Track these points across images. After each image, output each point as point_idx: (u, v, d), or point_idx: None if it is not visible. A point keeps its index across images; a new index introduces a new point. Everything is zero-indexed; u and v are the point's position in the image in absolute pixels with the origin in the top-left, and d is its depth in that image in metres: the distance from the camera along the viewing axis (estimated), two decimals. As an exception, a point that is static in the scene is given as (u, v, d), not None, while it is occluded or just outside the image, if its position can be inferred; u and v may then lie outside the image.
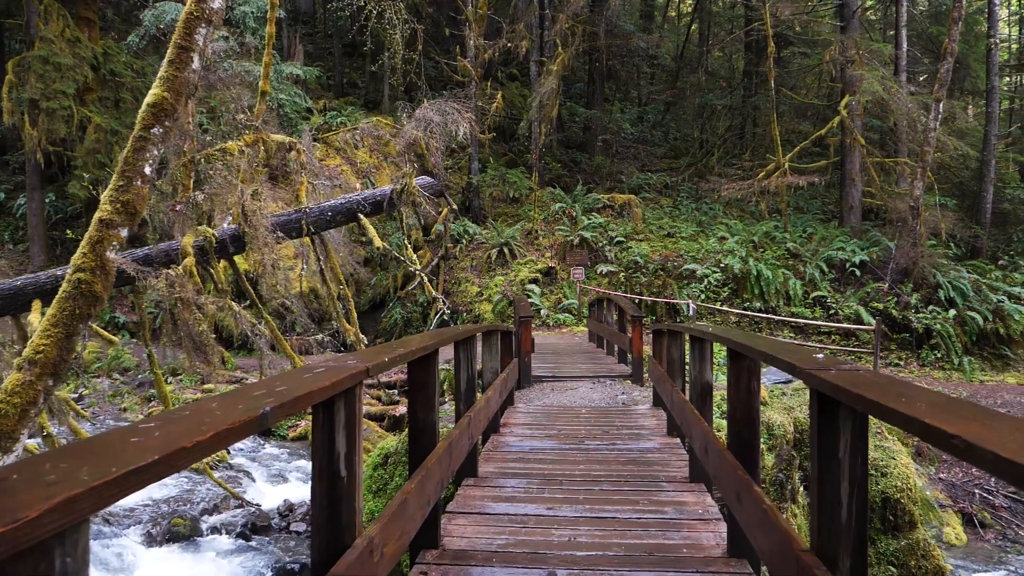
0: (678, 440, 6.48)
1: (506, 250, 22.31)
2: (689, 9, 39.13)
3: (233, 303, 10.79)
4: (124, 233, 8.11)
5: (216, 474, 12.62)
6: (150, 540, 9.83)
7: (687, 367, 8.73)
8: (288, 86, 23.76)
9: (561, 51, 23.76)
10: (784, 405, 9.61)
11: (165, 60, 8.29)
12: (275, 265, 9.10)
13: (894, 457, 9.36)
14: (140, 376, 18.23)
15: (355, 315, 11.27)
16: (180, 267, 8.31)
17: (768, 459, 8.38)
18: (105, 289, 7.90)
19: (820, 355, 2.75)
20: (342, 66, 33.12)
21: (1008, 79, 31.36)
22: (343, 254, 12.28)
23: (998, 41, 23.77)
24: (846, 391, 2.04)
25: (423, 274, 12.66)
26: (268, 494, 11.65)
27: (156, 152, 8.15)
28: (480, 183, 25.20)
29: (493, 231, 23.35)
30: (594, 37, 27.85)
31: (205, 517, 10.58)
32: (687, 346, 6.71)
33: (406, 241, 11.64)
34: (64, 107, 23.01)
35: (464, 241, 23.38)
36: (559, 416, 7.82)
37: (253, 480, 12.42)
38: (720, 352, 11.76)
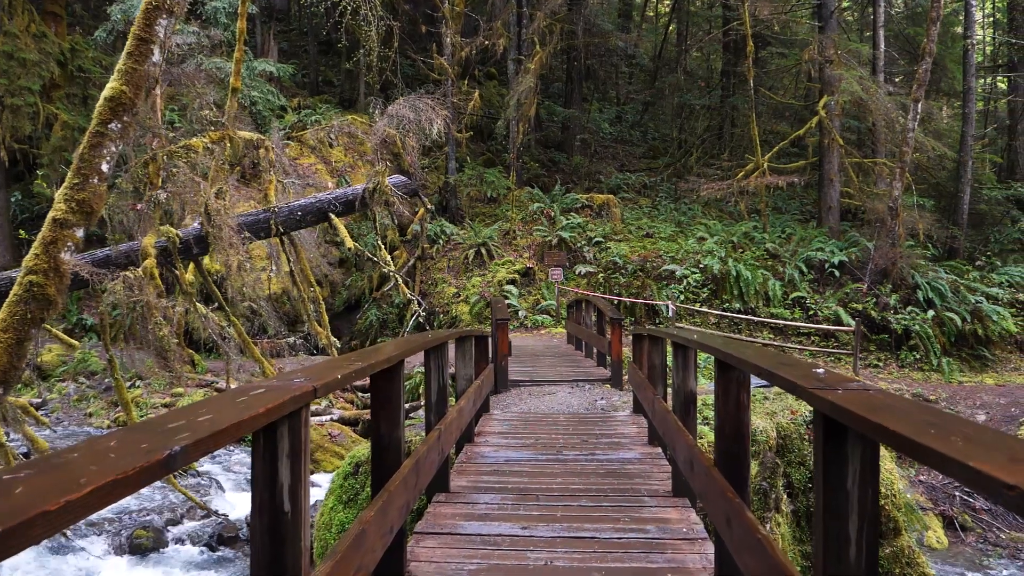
0: (659, 450, 6.22)
1: (483, 251, 22.01)
2: (667, 9, 39.04)
3: (201, 305, 10.41)
4: (80, 233, 7.73)
5: (182, 482, 12.24)
6: (111, 552, 9.44)
7: (669, 373, 8.47)
8: (261, 83, 23.32)
9: (539, 49, 23.51)
10: (766, 410, 9.39)
11: (124, 52, 7.93)
12: (241, 266, 8.74)
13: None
14: (107, 380, 17.70)
15: (326, 317, 10.93)
16: (140, 269, 7.94)
17: (752, 467, 8.15)
18: (59, 292, 7.52)
19: (820, 369, 2.49)
20: (317, 64, 32.65)
21: (981, 80, 31.51)
22: (314, 255, 11.95)
23: (975, 42, 23.81)
24: (861, 419, 1.77)
25: (398, 275, 12.35)
26: (237, 503, 11.27)
27: (114, 148, 7.78)
28: (457, 183, 24.87)
29: (470, 231, 23.05)
30: (572, 36, 27.63)
31: (170, 528, 10.21)
32: (669, 349, 6.46)
33: (379, 241, 11.31)
34: (29, 104, 22.43)
35: (441, 241, 23.05)
36: (536, 424, 7.54)
37: (222, 489, 12.03)
38: (701, 354, 11.56)
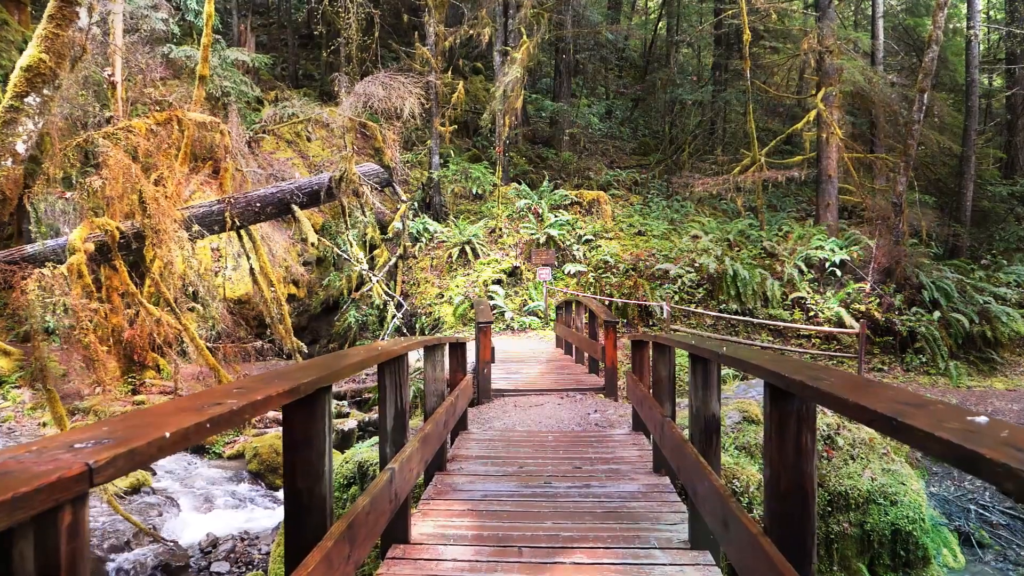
0: (667, 479, 5.21)
1: (468, 249, 20.95)
2: (657, 3, 38.11)
3: (153, 307, 9.35)
4: (-9, 224, 6.67)
5: (138, 500, 11.20)
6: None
7: (679, 391, 7.43)
8: (234, 73, 22.15)
9: (526, 39, 22.49)
10: (779, 424, 8.45)
11: (44, 15, 6.88)
12: (187, 263, 7.68)
13: (904, 482, 8.22)
14: (66, 386, 16.55)
15: (288, 320, 9.88)
16: (64, 267, 6.87)
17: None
18: (-35, 292, 6.46)
19: (982, 418, 1.49)
20: (297, 57, 31.55)
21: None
22: (279, 251, 10.88)
23: (978, 32, 22.97)
24: None
25: (372, 274, 11.32)
26: (192, 525, 10.19)
27: (32, 126, 6.71)
28: (441, 178, 23.78)
29: (455, 229, 21.98)
30: (560, 26, 26.66)
31: (113, 555, 9.11)
32: (664, 353, 5.46)
33: (350, 238, 10.26)
34: (-11, 95, 21.27)
35: (424, 240, 21.96)
36: (521, 445, 6.49)
37: (178, 508, 10.93)
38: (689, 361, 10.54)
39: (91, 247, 7.87)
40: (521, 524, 4.32)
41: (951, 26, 27.69)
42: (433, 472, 5.37)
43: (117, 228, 8.06)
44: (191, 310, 8.93)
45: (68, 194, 7.65)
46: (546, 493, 4.95)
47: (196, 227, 8.48)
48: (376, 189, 9.31)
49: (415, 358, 10.03)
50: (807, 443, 2.45)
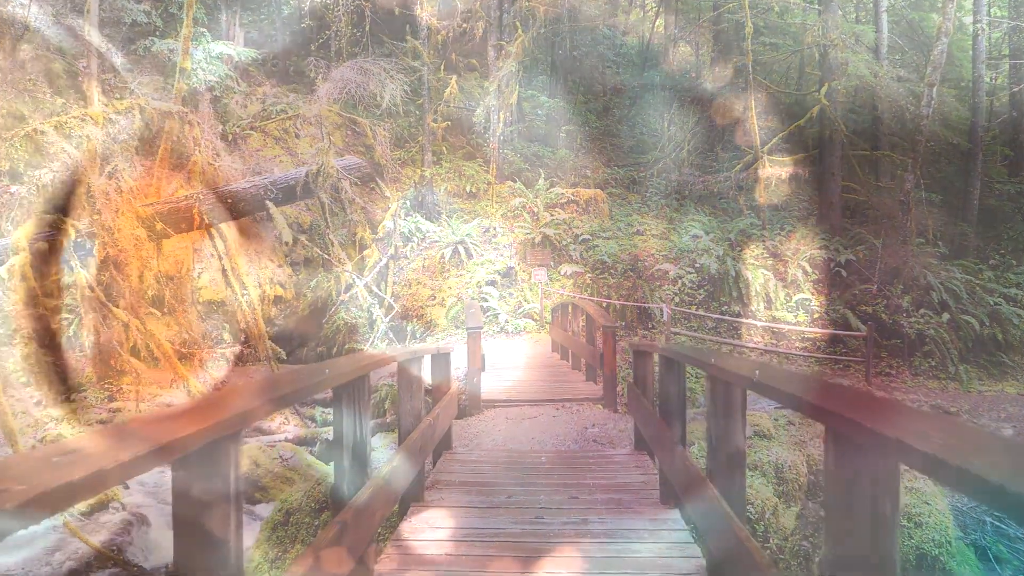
0: (676, 513, 4.53)
1: (461, 249, 20.25)
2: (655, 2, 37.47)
3: (121, 312, 8.66)
4: (-81, 221, 5.99)
5: (104, 517, 10.52)
6: (-9, 615, 7.68)
7: (686, 415, 6.79)
8: (220, 67, 21.39)
9: (521, 33, 21.83)
10: (793, 439, 7.77)
11: (-19, -11, 6.19)
12: (146, 263, 7.00)
13: (928, 502, 7.58)
14: (36, 395, 15.84)
15: (262, 324, 9.20)
16: (5, 268, 6.19)
17: (785, 517, 6.49)
18: None
19: None
20: (288, 53, 30.81)
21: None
22: (264, 251, 10.19)
23: (985, 27, 22.34)
24: None
25: (354, 276, 10.65)
26: (161, 545, 9.47)
27: (-34, 112, 6.03)
28: (434, 176, 23.07)
29: (448, 228, 21.28)
30: (557, 21, 25.99)
31: (73, 581, 8.42)
32: (672, 368, 4.80)
33: (331, 236, 9.59)
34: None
35: (416, 239, 21.23)
36: (511, 468, 5.81)
37: (148, 525, 10.20)
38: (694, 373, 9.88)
39: (44, 246, 7.18)
40: (508, 572, 3.64)
41: (958, 17, 27.08)
42: (408, 504, 4.69)
43: (72, 226, 7.37)
44: (166, 313, 8.25)
45: (14, 188, 6.98)
46: (537, 531, 4.26)
47: (160, 225, 7.79)
48: (357, 184, 8.66)
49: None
50: (887, 512, 1.78)
